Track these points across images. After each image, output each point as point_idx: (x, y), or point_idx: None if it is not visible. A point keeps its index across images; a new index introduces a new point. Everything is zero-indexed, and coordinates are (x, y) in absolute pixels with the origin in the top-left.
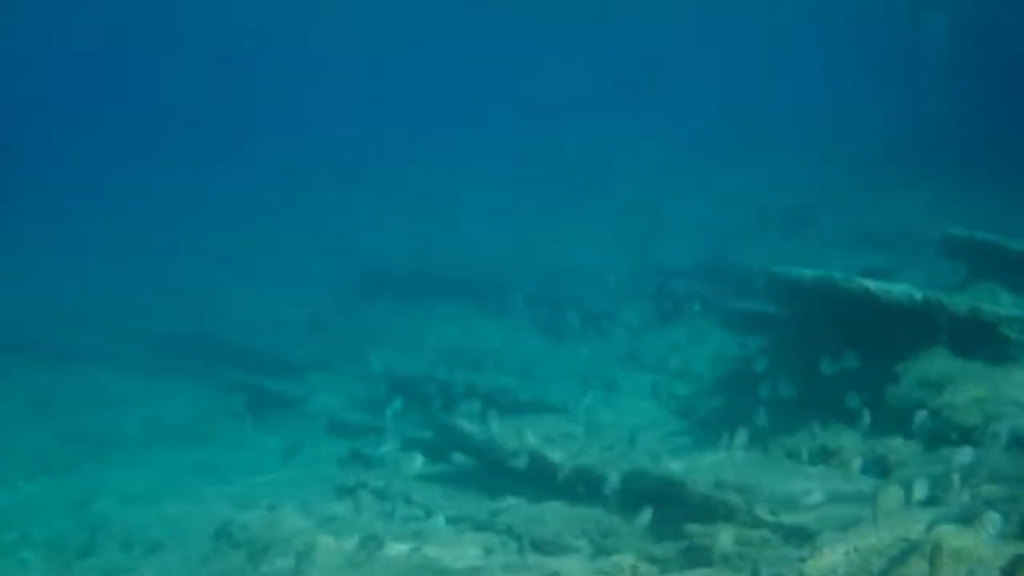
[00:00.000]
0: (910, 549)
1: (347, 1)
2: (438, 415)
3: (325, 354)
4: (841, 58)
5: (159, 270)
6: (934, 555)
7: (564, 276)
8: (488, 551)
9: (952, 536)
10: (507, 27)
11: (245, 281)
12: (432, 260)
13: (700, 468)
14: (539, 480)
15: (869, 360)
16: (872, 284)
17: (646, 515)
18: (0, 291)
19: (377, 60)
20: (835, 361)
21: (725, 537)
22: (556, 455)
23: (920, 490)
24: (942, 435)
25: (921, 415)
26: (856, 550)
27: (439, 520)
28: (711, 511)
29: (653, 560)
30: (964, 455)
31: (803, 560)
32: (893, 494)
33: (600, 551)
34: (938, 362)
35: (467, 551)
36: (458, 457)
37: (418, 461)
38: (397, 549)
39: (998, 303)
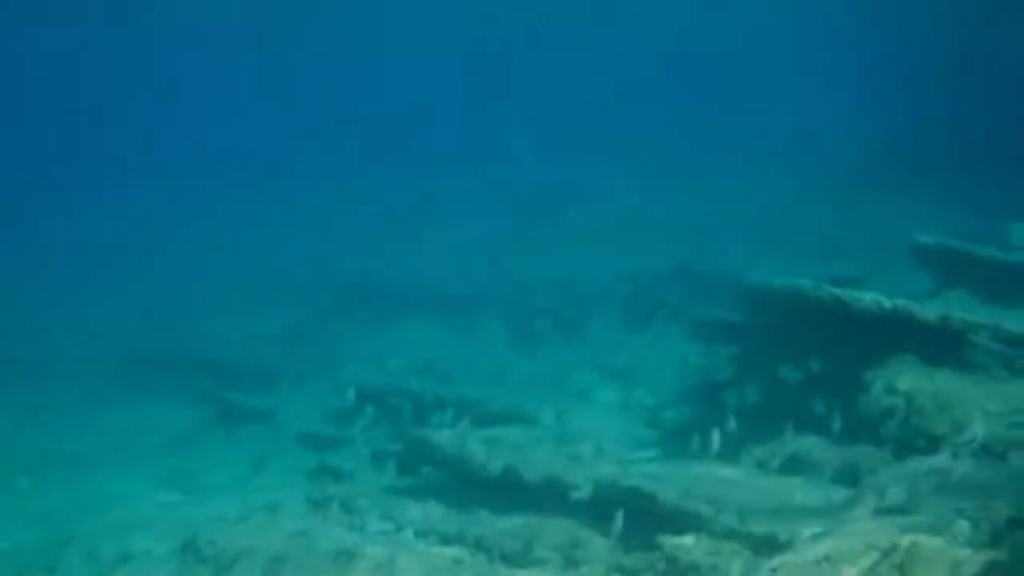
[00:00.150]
0: (881, 558)
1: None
2: (409, 427)
3: (298, 366)
4: (812, 74)
5: (131, 282)
6: (905, 563)
7: (537, 287)
8: (458, 563)
9: (923, 544)
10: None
11: (218, 293)
12: (403, 272)
13: (670, 477)
14: (509, 492)
15: (839, 368)
16: (842, 292)
17: (619, 521)
18: None
19: (373, 71)
20: (797, 369)
21: (694, 547)
22: (525, 467)
23: (891, 498)
24: (911, 443)
25: (890, 424)
26: (827, 559)
27: (408, 533)
28: (681, 521)
29: (623, 571)
30: (934, 463)
31: (774, 570)
32: (863, 502)
33: (570, 563)
34: (907, 370)
35: (436, 564)
36: (427, 470)
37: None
38: (366, 562)
39: (967, 310)
